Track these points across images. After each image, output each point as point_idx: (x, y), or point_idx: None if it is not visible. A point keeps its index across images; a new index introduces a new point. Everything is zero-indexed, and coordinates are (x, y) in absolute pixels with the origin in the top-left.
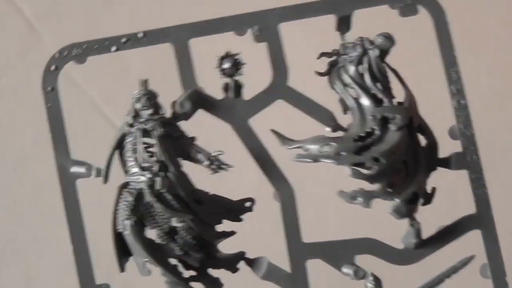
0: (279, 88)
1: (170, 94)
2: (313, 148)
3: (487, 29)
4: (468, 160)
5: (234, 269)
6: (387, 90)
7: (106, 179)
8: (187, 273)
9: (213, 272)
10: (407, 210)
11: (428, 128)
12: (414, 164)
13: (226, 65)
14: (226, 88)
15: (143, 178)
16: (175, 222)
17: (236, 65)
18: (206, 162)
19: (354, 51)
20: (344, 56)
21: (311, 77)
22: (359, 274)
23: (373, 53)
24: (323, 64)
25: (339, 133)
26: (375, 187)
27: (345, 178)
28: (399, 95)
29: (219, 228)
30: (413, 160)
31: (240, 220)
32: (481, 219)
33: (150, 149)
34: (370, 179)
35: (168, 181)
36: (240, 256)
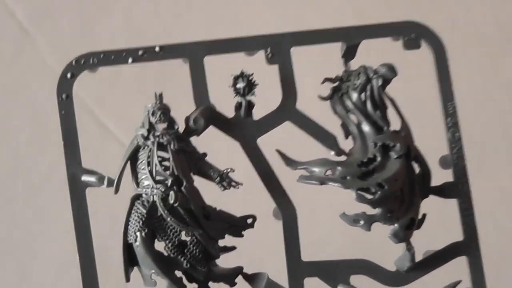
0: (288, 110)
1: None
2: (319, 171)
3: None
4: (459, 189)
5: (232, 283)
6: (385, 118)
7: (117, 190)
8: (190, 286)
9: (213, 285)
10: (405, 235)
11: (422, 157)
12: (410, 191)
13: (240, 84)
14: (238, 107)
15: (156, 191)
16: (185, 236)
17: (250, 86)
18: (217, 179)
19: (357, 78)
20: (347, 83)
21: (314, 99)
22: None
23: (376, 82)
24: (325, 88)
25: (343, 158)
26: (375, 211)
27: (343, 201)
28: (394, 124)
29: (221, 243)
30: (409, 188)
31: (241, 236)
32: (468, 246)
33: (164, 163)
34: (373, 203)
35: (181, 196)
36: (238, 271)
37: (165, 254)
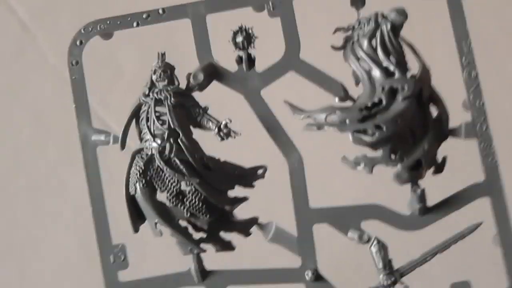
0: (292, 61)
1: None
2: (320, 116)
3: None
4: (477, 129)
5: (247, 233)
6: (400, 64)
7: (123, 146)
8: (197, 235)
9: (225, 235)
10: (409, 176)
11: (440, 100)
12: (422, 133)
13: (239, 38)
14: (239, 60)
15: (154, 144)
16: (184, 186)
17: (249, 38)
18: (215, 130)
19: (368, 25)
20: (358, 31)
21: (325, 52)
22: (364, 238)
23: (386, 27)
24: (338, 39)
25: (348, 103)
26: (378, 153)
27: (352, 147)
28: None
29: (232, 193)
30: (421, 129)
31: (252, 186)
32: (490, 186)
33: (163, 117)
34: (372, 145)
35: (177, 147)
36: (254, 221)
37: (167, 204)
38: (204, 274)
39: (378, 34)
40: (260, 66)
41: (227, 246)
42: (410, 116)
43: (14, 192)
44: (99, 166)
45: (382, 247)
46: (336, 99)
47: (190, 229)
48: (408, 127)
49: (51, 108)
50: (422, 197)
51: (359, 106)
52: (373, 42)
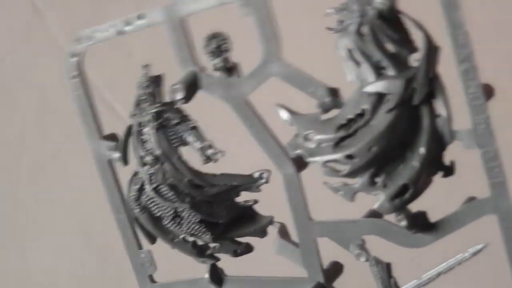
0: (271, 64)
1: (175, 78)
2: (301, 132)
3: None
4: (479, 135)
5: (263, 234)
6: (398, 53)
7: (125, 163)
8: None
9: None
10: (393, 206)
11: (444, 94)
12: (413, 145)
13: (213, 45)
14: (217, 68)
15: (142, 172)
16: (178, 210)
17: (222, 44)
18: (200, 153)
19: (352, 14)
20: (348, 17)
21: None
22: (361, 259)
23: (371, 14)
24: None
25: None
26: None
27: None
28: None
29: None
30: (413, 140)
31: (258, 190)
32: (496, 202)
33: (149, 142)
34: (346, 176)
35: (163, 174)
36: (269, 220)
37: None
38: (219, 282)
39: (366, 22)
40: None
41: (243, 250)
42: (395, 132)
43: (17, 175)
44: (116, 176)
45: (382, 267)
46: (318, 110)
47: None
48: (393, 144)
49: (58, 91)
50: (411, 225)
51: (339, 121)
52: (362, 29)
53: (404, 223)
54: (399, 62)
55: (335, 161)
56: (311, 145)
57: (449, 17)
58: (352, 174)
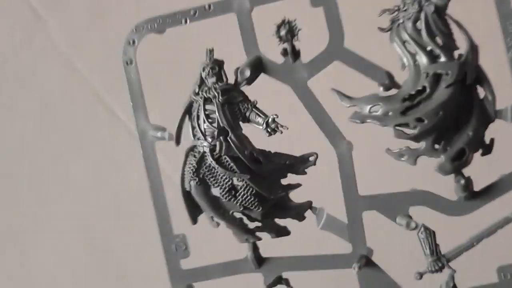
0: (336, 50)
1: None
2: (365, 108)
3: None
4: None
5: (301, 218)
6: (446, 45)
7: (178, 142)
8: (252, 224)
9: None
10: (453, 167)
11: (487, 80)
12: (466, 118)
13: (283, 31)
14: (284, 53)
15: (205, 143)
16: (236, 181)
17: (292, 31)
18: (264, 125)
19: (412, 7)
20: (403, 13)
21: (369, 37)
22: (411, 225)
23: (429, 9)
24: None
25: (393, 91)
26: (421, 144)
27: None
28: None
29: (286, 181)
30: (466, 115)
31: (304, 173)
32: None
33: (212, 116)
34: (414, 138)
35: (227, 145)
36: (308, 205)
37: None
38: (260, 261)
39: (422, 17)
40: (305, 56)
41: (283, 232)
42: (453, 104)
43: (18, 178)
44: (158, 160)
45: (430, 234)
46: (381, 88)
47: (245, 219)
48: (452, 114)
49: (58, 95)
50: (466, 187)
51: (402, 95)
52: (418, 24)
53: (462, 181)
54: (449, 52)
55: (405, 124)
56: (379, 111)
57: (499, 9)
58: (420, 136)
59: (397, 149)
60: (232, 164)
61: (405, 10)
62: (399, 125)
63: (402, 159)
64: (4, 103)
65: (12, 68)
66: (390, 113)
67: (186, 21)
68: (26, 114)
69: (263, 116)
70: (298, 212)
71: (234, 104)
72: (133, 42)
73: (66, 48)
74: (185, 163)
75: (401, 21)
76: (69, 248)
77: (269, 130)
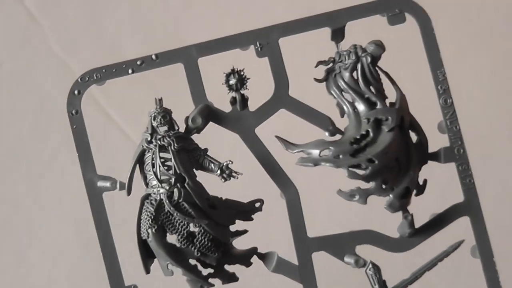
0: (282, 98)
1: (184, 108)
2: (314, 152)
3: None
4: (455, 153)
5: (248, 264)
6: (380, 93)
7: (129, 192)
8: (205, 271)
9: (229, 267)
10: (400, 204)
11: (418, 125)
12: (406, 160)
13: (232, 80)
14: (233, 101)
15: (162, 190)
16: (193, 227)
17: (242, 80)
18: (218, 171)
19: (348, 58)
20: (339, 64)
21: (310, 86)
22: (360, 262)
23: (366, 59)
24: (320, 72)
25: (337, 137)
26: (370, 185)
27: (342, 178)
28: (391, 96)
29: (233, 228)
30: (405, 157)
31: (251, 219)
32: (469, 206)
33: (168, 163)
34: (366, 178)
35: (185, 191)
36: (253, 251)
37: (177, 245)
38: None
39: (359, 67)
40: (252, 103)
41: (232, 278)
42: (396, 146)
43: (15, 179)
44: (106, 211)
45: (377, 269)
46: (326, 133)
47: (199, 266)
48: (395, 156)
49: (54, 97)
50: (412, 223)
51: (349, 139)
52: (354, 74)
53: (410, 217)
54: (383, 99)
55: (358, 166)
56: (329, 154)
57: (430, 59)
58: (371, 176)
59: (349, 190)
60: (190, 210)
61: (341, 61)
62: (352, 166)
63: (354, 199)
64: (1, 104)
65: (8, 70)
66: (341, 156)
67: (133, 71)
68: (22, 116)
69: (217, 163)
70: (245, 258)
71: (188, 151)
72: (79, 92)
73: (61, 51)
74: (141, 211)
75: (337, 71)
76: (67, 250)
77: (224, 176)
